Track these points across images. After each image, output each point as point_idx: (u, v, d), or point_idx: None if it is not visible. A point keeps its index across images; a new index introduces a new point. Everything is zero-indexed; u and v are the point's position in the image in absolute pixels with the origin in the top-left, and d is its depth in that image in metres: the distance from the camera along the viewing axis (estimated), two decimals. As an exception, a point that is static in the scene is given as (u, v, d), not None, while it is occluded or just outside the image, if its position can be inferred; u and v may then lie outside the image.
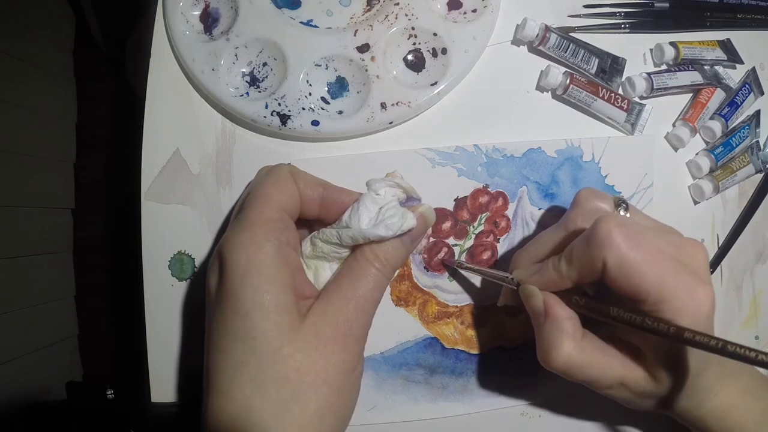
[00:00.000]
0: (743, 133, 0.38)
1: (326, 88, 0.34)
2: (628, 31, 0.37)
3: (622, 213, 0.30)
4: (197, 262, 0.34)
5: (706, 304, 0.25)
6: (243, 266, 0.25)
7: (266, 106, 0.32)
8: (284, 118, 0.32)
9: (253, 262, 0.25)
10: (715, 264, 0.39)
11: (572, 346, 0.27)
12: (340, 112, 0.33)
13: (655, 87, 0.36)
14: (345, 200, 0.28)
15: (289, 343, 0.25)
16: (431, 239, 0.35)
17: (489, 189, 0.35)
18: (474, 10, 0.35)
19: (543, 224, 0.36)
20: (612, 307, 0.26)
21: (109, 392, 0.92)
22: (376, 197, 0.28)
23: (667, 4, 0.38)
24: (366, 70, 0.33)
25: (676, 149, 0.38)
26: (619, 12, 0.37)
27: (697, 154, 0.38)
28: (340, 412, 0.26)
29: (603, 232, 0.25)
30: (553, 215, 0.36)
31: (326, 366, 0.25)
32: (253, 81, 0.34)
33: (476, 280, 0.36)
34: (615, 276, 0.25)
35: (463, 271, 0.35)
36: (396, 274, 0.34)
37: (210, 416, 0.25)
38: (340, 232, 0.27)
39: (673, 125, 0.38)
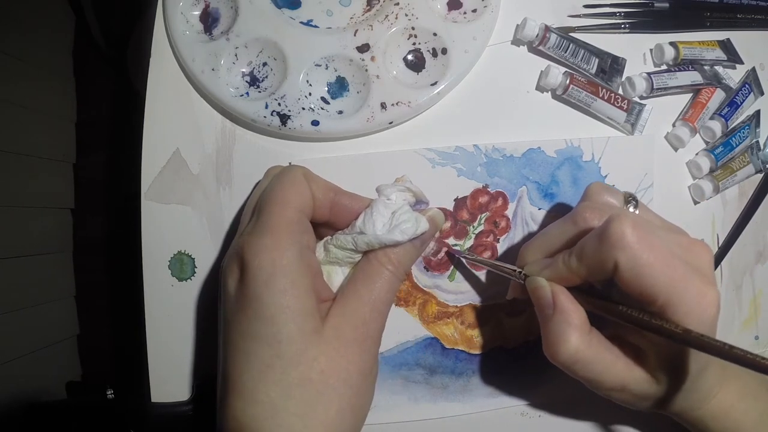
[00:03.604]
0: (743, 133, 0.38)
1: (326, 88, 0.34)
2: (628, 31, 0.37)
3: (631, 209, 0.29)
4: (197, 262, 0.34)
5: (712, 307, 0.25)
6: (268, 270, 0.25)
7: (266, 106, 0.32)
8: (284, 118, 0.32)
9: (278, 267, 0.25)
10: (715, 264, 0.39)
11: (580, 339, 0.27)
12: (340, 112, 0.33)
13: (655, 87, 0.36)
14: (356, 206, 0.29)
15: (313, 346, 0.25)
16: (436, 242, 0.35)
17: (489, 189, 0.35)
18: (474, 10, 0.35)
19: (543, 224, 0.36)
20: (620, 306, 0.26)
21: (109, 392, 0.92)
22: (388, 202, 0.28)
23: (667, 4, 0.38)
24: (366, 70, 0.33)
25: (676, 149, 0.38)
26: (619, 12, 0.37)
27: (697, 154, 0.38)
28: (359, 412, 0.27)
29: (616, 233, 0.25)
30: (553, 215, 0.36)
31: (347, 367, 0.26)
32: (253, 81, 0.34)
33: (476, 280, 0.36)
34: (626, 277, 0.25)
35: (464, 269, 0.35)
36: None
37: (231, 418, 0.25)
38: (355, 238, 0.27)
39: (673, 125, 0.38)
